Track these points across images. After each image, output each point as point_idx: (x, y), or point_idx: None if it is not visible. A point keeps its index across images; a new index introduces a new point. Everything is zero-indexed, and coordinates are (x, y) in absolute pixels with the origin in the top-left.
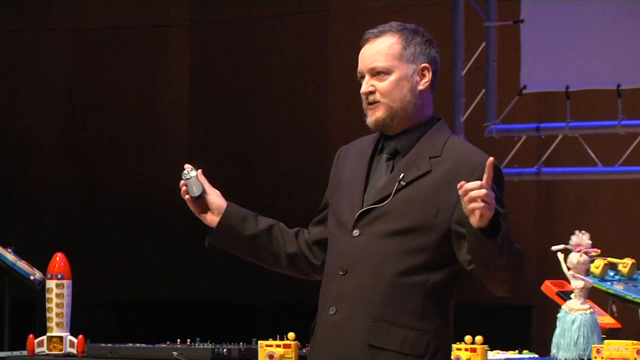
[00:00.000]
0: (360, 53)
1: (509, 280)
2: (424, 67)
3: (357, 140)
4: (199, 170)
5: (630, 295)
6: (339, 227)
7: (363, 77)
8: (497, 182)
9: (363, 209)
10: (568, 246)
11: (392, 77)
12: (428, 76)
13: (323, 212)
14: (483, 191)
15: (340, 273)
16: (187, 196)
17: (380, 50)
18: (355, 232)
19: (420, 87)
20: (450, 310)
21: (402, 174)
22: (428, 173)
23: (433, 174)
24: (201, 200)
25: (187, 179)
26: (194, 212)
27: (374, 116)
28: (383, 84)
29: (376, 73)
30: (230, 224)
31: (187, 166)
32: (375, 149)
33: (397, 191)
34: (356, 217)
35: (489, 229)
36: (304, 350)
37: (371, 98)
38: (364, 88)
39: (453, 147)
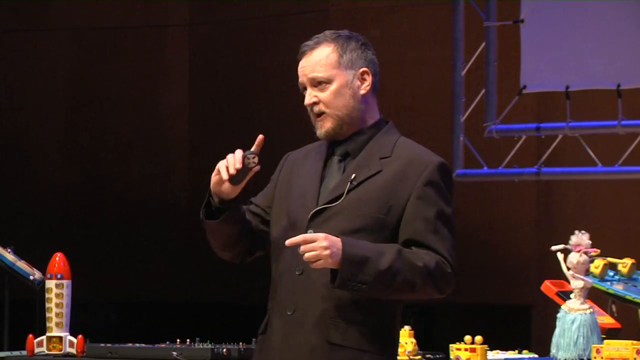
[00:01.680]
0: (299, 66)
1: (414, 295)
2: (363, 71)
3: (306, 146)
4: (256, 168)
5: (630, 295)
6: (292, 228)
7: (305, 89)
8: (445, 182)
9: (316, 209)
10: (568, 246)
11: (333, 86)
12: (368, 79)
13: (257, 209)
14: (305, 253)
15: (297, 273)
16: (226, 176)
17: (319, 60)
18: (310, 232)
19: (362, 91)
20: (396, 302)
21: (353, 175)
22: (379, 173)
23: (384, 173)
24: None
25: (248, 166)
26: (216, 179)
27: (323, 128)
28: (325, 94)
29: (317, 83)
30: (237, 207)
31: (255, 152)
32: (327, 152)
33: (349, 191)
34: (309, 216)
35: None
36: None
37: (316, 109)
38: (308, 100)
39: (403, 147)
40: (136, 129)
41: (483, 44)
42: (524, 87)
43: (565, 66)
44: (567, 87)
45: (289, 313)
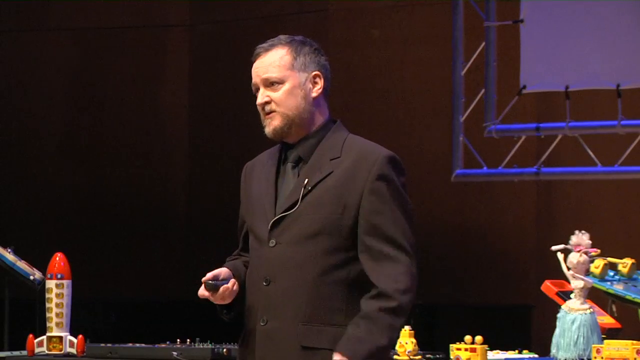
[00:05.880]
0: (253, 67)
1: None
2: (315, 74)
3: (261, 154)
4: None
5: (630, 295)
6: (257, 241)
7: (258, 89)
8: (396, 174)
9: (274, 219)
10: (568, 246)
11: (286, 87)
12: (320, 83)
13: (245, 234)
14: None
15: (264, 284)
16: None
17: (273, 62)
18: (272, 242)
19: (314, 94)
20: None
21: (306, 179)
22: (330, 174)
23: (335, 174)
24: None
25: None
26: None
27: (271, 126)
28: (278, 94)
29: (270, 84)
30: (236, 303)
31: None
32: (280, 159)
33: (304, 196)
34: (269, 227)
35: None
36: None
37: (267, 108)
38: (260, 99)
39: (351, 146)
40: (136, 129)
41: (483, 44)
42: (524, 87)
43: (565, 66)
44: (567, 87)
45: (261, 324)
